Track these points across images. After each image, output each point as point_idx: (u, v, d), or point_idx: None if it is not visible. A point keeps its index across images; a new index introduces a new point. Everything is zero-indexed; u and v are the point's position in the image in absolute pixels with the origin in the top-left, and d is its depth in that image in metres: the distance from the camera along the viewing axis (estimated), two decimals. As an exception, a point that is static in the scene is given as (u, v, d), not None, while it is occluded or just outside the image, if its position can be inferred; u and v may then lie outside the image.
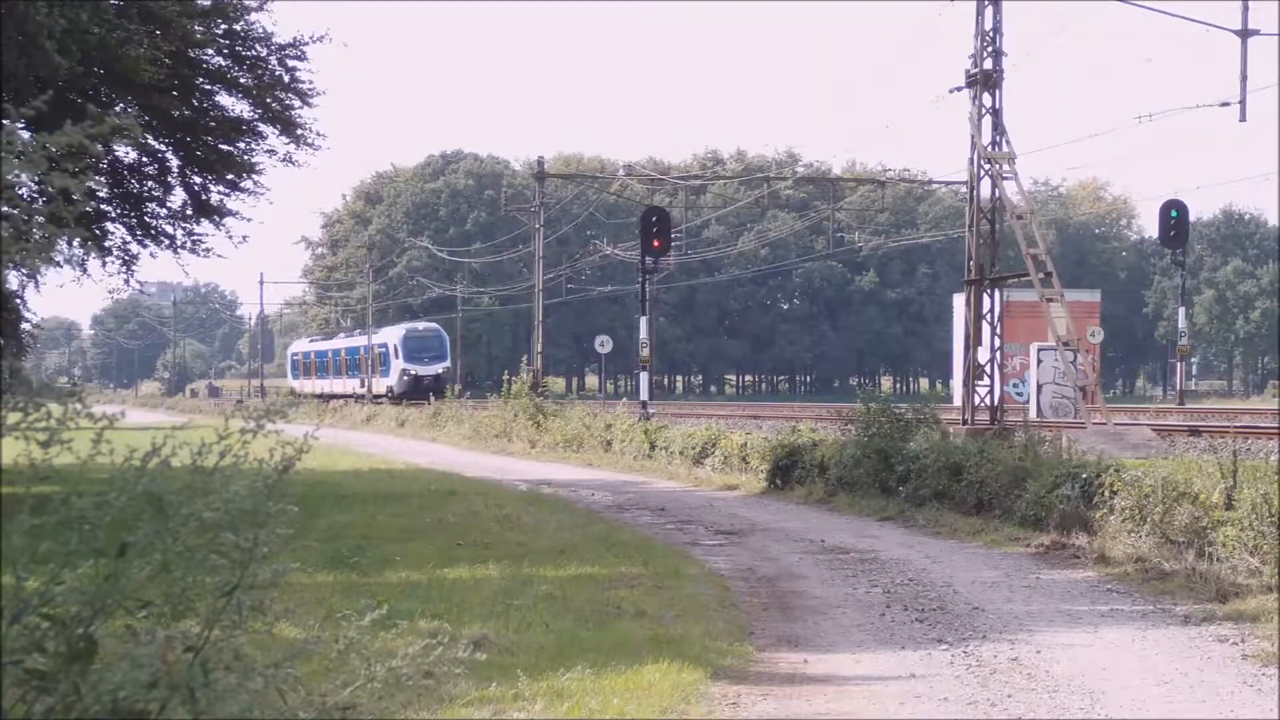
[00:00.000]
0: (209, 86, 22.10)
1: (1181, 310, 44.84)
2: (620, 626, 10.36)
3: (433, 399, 58.82)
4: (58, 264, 17.16)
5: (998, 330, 27.44)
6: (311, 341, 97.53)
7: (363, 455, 34.49)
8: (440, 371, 72.40)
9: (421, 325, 79.51)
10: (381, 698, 4.37)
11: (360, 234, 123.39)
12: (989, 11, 26.18)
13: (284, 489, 3.96)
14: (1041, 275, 25.60)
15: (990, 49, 26.20)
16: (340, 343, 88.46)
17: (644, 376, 39.62)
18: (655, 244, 38.06)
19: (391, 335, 76.63)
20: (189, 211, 22.92)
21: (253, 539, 3.80)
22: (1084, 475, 15.74)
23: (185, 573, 3.71)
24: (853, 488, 20.93)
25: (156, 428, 5.14)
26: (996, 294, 27.60)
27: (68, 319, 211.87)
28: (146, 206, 23.17)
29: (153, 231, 23.10)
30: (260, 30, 21.56)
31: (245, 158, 22.38)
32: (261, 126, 22.31)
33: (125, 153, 21.46)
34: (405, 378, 72.15)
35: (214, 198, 22.82)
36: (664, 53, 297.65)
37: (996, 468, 17.81)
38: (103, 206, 21.83)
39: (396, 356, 74.08)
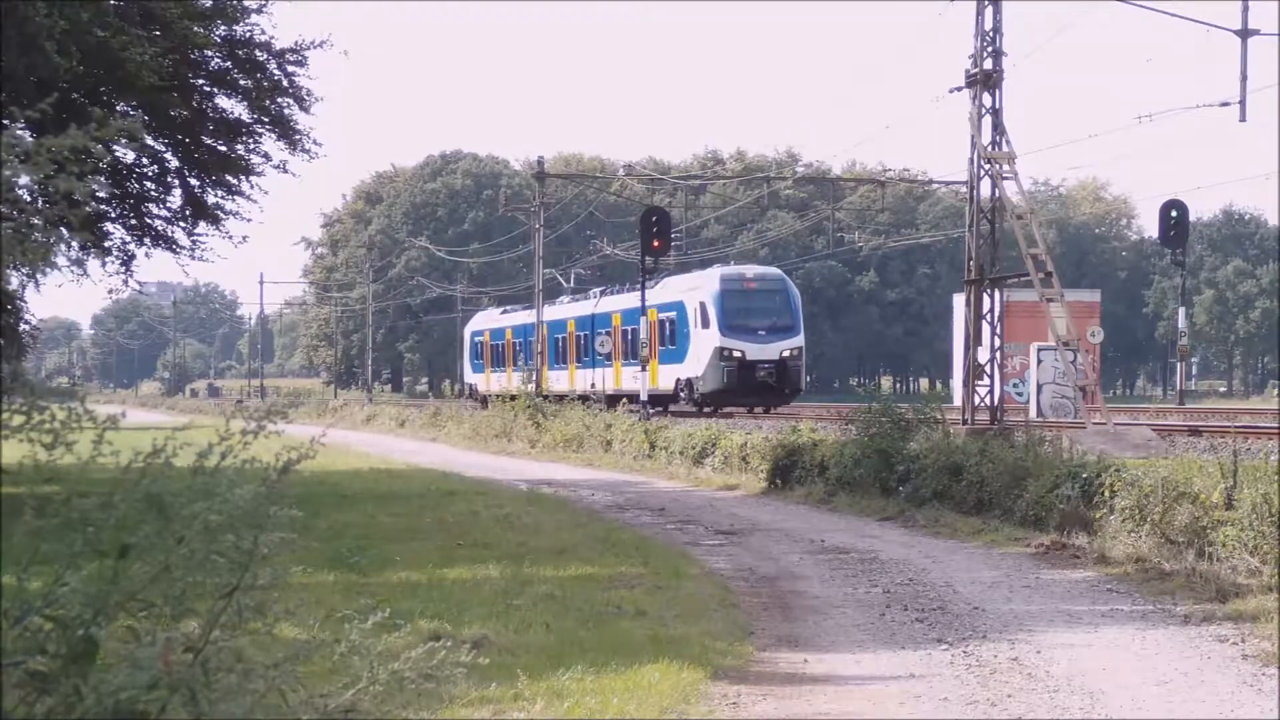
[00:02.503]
0: (209, 88, 22.12)
1: (1181, 310, 44.81)
2: (620, 626, 10.36)
3: (773, 402, 40.15)
4: (57, 267, 17.16)
5: (998, 330, 27.45)
6: (505, 313, 64.61)
7: (362, 455, 34.49)
8: (788, 353, 41.58)
9: (751, 271, 47.36)
10: (383, 700, 4.38)
11: (360, 234, 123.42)
12: (989, 11, 26.19)
13: (285, 491, 3.95)
14: (1041, 275, 25.61)
15: (990, 49, 26.21)
16: (568, 309, 54.63)
17: (644, 377, 39.60)
18: (655, 244, 38.04)
19: (693, 289, 44.47)
20: (188, 212, 22.93)
21: (252, 540, 3.81)
22: (1084, 475, 15.74)
23: (186, 574, 3.71)
24: (853, 488, 20.93)
25: (158, 428, 5.14)
26: (996, 294, 27.61)
27: (68, 319, 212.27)
28: (145, 207, 23.18)
29: (152, 232, 23.11)
30: (260, 34, 21.58)
31: (243, 161, 22.40)
32: (259, 130, 22.32)
33: (124, 153, 21.47)
34: (724, 364, 41.45)
35: (211, 199, 22.83)
36: (664, 53, 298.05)
37: (997, 467, 17.81)
38: (102, 207, 21.83)
39: (703, 325, 42.58)
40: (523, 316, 58.30)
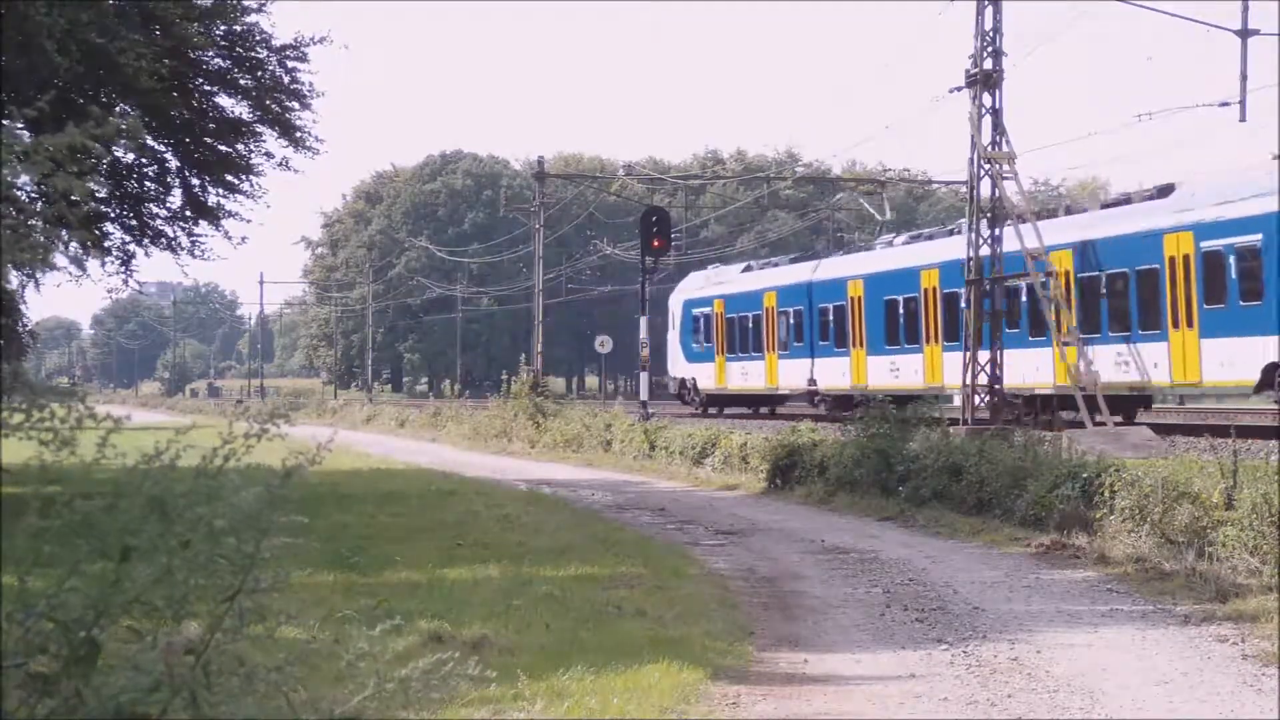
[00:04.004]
0: (209, 87, 22.13)
1: (1182, 310, 44.58)
2: (620, 626, 10.36)
3: None
4: (56, 267, 17.17)
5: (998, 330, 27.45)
6: (747, 270, 45.65)
7: (363, 455, 34.49)
8: None
9: None
10: (387, 704, 4.38)
11: (360, 234, 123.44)
12: (989, 11, 26.21)
13: (288, 495, 3.95)
14: (1041, 275, 25.63)
15: (990, 49, 26.24)
16: (895, 256, 35.87)
17: (644, 376, 39.62)
18: (655, 244, 38.08)
19: None
20: (188, 212, 22.94)
21: (255, 544, 3.81)
22: (1084, 475, 15.75)
23: (188, 576, 3.71)
24: (853, 488, 20.93)
25: (159, 428, 5.14)
26: (996, 294, 27.61)
27: (68, 319, 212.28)
28: (145, 207, 23.19)
29: (151, 232, 23.12)
30: (260, 32, 21.58)
31: (244, 159, 22.40)
32: (260, 128, 22.33)
33: (124, 153, 21.48)
34: None
35: (211, 199, 22.84)
36: (664, 53, 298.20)
37: (996, 468, 17.82)
38: (102, 207, 21.84)
39: None
40: (791, 273, 40.70)
